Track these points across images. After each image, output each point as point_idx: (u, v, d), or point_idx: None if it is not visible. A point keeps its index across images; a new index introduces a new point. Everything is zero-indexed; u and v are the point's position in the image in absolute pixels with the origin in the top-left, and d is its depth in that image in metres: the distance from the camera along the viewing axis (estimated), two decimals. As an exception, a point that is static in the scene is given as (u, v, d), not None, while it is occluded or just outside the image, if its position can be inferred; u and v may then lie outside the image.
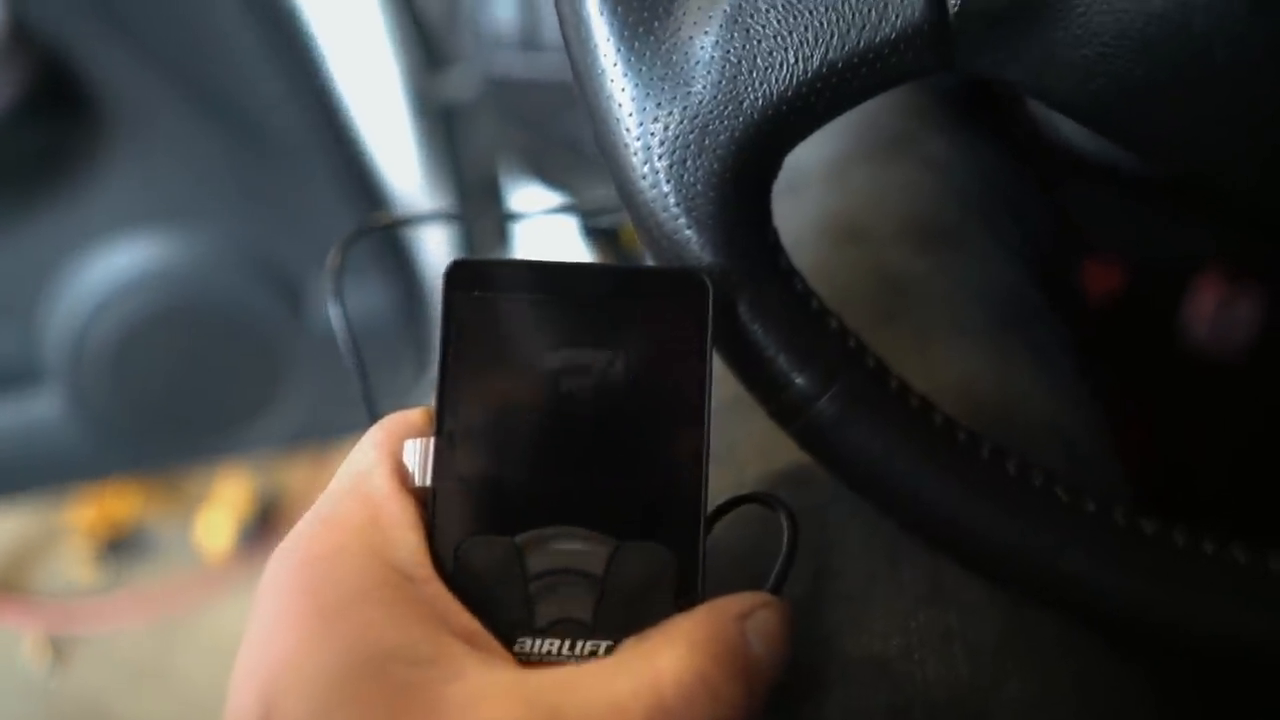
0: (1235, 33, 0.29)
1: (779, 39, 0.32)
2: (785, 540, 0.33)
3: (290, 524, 0.32)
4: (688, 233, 0.33)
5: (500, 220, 1.16)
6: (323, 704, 0.27)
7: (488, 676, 0.28)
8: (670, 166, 0.33)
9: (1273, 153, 0.31)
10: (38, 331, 1.10)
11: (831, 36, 0.31)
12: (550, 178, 1.06)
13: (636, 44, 0.32)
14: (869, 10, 0.31)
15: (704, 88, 0.32)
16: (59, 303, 1.09)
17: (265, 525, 1.45)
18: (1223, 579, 0.33)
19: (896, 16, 0.31)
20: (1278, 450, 0.69)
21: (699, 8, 0.32)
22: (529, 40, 0.93)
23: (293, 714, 0.27)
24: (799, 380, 0.34)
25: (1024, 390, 0.45)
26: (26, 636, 1.40)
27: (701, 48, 0.32)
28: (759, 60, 0.32)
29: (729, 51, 0.32)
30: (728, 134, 0.32)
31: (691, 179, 0.33)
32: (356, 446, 0.33)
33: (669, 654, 0.28)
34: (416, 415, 0.33)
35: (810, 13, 0.31)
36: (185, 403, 1.17)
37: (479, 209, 1.16)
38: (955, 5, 0.31)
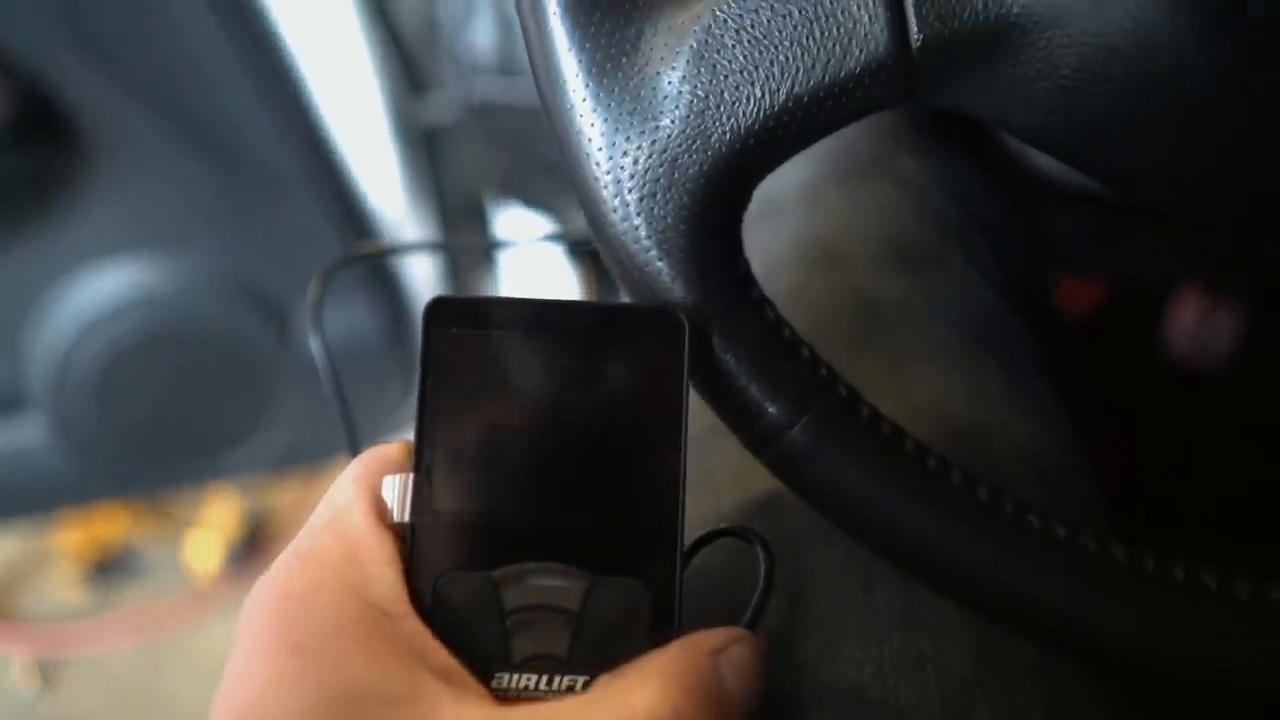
0: (1194, 71, 0.29)
1: (745, 74, 0.32)
2: (762, 575, 0.33)
3: (279, 546, 0.32)
4: (659, 265, 0.33)
5: (483, 248, 1.16)
6: None
7: (462, 714, 0.28)
8: (640, 200, 0.33)
9: (1231, 186, 0.31)
10: (23, 357, 1.10)
11: (797, 71, 0.32)
12: (533, 201, 1.06)
13: (605, 80, 0.33)
14: (833, 45, 0.31)
15: (672, 122, 0.32)
16: (44, 329, 1.09)
17: (253, 547, 1.45)
18: (1191, 605, 0.33)
19: (860, 51, 0.31)
20: (1258, 464, 0.69)
21: (666, 44, 0.32)
22: (507, 65, 0.94)
23: None
24: (771, 410, 0.34)
25: (998, 413, 0.45)
26: (15, 660, 1.39)
27: (669, 83, 0.32)
28: (726, 95, 0.32)
29: (696, 87, 0.32)
30: (696, 167, 0.33)
31: (662, 212, 0.33)
32: (336, 482, 0.33)
33: (643, 690, 0.28)
34: (395, 450, 0.33)
35: (775, 48, 0.32)
36: (171, 428, 1.17)
37: (463, 236, 1.16)
38: (918, 39, 0.31)
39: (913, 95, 0.33)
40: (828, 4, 0.31)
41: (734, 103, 0.32)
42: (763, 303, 0.35)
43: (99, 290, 1.07)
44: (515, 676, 0.31)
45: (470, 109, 0.99)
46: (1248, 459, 0.70)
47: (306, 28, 0.97)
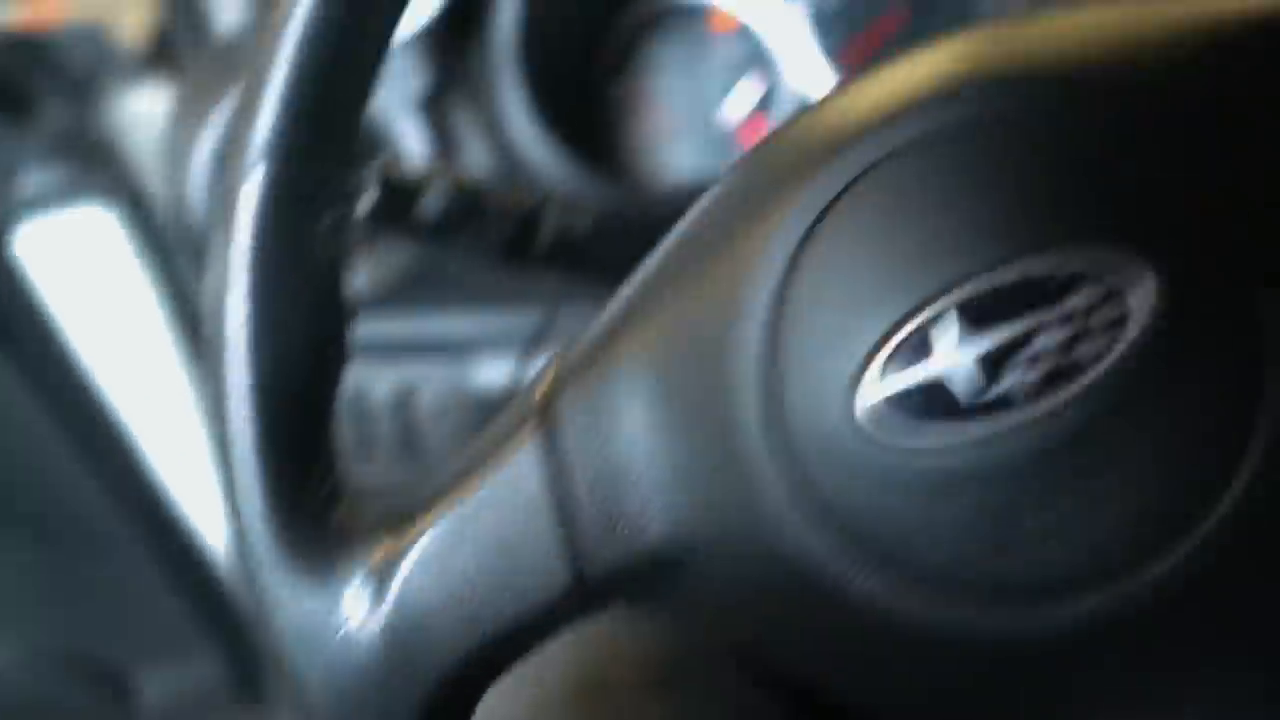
0: (863, 580, 0.30)
1: (441, 617, 0.34)
2: None
3: None
4: None
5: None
6: None
7: None
8: None
9: (907, 688, 0.33)
10: None
11: (485, 621, 0.34)
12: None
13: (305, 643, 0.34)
14: (505, 591, 0.33)
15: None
16: None
17: None
18: None
19: (540, 590, 0.33)
20: None
21: (365, 609, 0.34)
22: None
23: None
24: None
25: None
26: None
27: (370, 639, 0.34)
28: (423, 645, 0.34)
29: (392, 641, 0.34)
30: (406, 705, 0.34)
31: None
32: None
33: None
34: None
35: (463, 602, 0.34)
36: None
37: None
38: (592, 576, 0.33)
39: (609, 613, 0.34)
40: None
41: (431, 652, 0.34)
42: None
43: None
44: None
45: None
46: None
47: (131, 390, 0.98)
